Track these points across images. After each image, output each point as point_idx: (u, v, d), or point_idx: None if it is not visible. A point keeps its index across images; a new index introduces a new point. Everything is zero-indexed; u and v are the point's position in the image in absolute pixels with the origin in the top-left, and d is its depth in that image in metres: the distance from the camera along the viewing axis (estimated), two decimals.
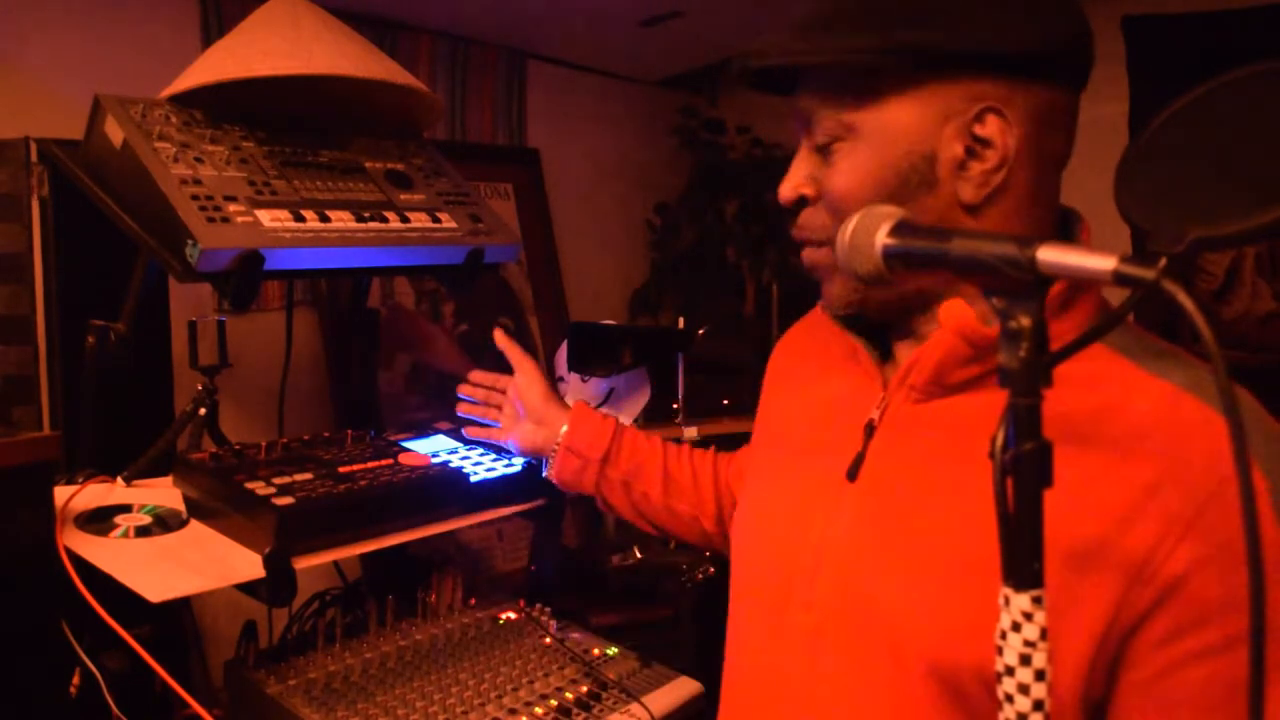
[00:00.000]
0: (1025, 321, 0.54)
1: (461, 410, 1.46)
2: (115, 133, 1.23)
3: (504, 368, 1.38)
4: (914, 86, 0.74)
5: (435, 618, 1.37)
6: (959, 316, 0.74)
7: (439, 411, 2.09)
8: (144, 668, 1.00)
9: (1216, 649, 0.64)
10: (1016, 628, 0.53)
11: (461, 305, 2.23)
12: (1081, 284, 0.73)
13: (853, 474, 0.80)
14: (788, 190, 0.83)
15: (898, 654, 0.72)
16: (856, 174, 0.77)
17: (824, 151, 0.80)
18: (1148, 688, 0.66)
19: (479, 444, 1.46)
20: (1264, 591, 0.46)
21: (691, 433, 1.97)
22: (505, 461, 1.41)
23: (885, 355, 0.87)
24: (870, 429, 0.81)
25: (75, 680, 1.10)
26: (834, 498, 0.81)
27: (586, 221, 2.65)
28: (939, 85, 0.74)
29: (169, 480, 1.29)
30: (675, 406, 2.01)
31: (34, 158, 1.36)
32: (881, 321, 0.86)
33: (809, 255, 0.85)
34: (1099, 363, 0.72)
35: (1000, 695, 0.55)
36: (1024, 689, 0.53)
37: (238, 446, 1.30)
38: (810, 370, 0.95)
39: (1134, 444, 0.67)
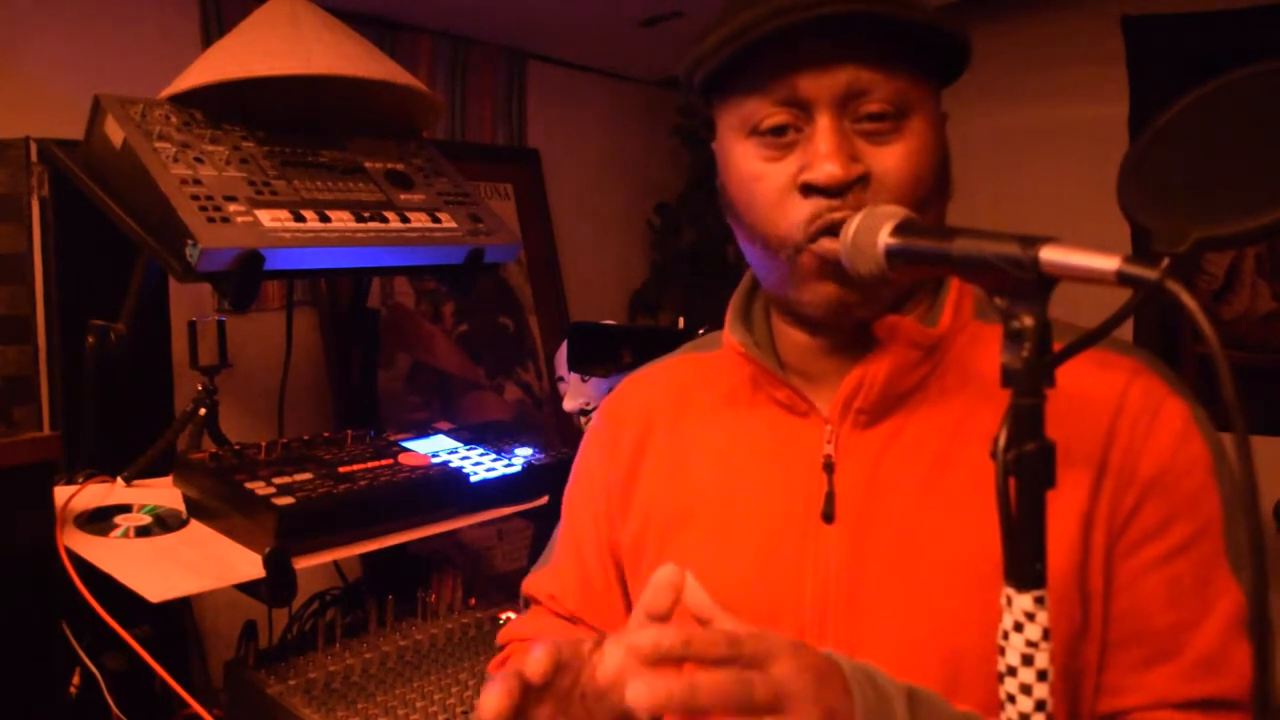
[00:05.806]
0: (1028, 321, 0.53)
1: None
2: (115, 133, 1.23)
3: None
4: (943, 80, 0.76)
5: (435, 618, 1.37)
6: (903, 328, 0.73)
7: (439, 411, 2.09)
8: (144, 668, 1.00)
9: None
10: (1019, 628, 0.53)
11: (461, 305, 2.23)
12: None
13: (828, 515, 0.76)
14: (846, 167, 0.69)
15: (913, 671, 0.71)
16: (926, 153, 0.72)
17: (872, 130, 0.70)
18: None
19: (480, 444, 1.46)
20: (1265, 598, 0.46)
21: None
22: (505, 461, 1.41)
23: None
24: (830, 465, 0.76)
25: (75, 680, 1.10)
26: (811, 542, 0.76)
27: (586, 221, 2.65)
28: (939, 84, 0.76)
29: (169, 480, 1.29)
30: None
31: (34, 158, 1.36)
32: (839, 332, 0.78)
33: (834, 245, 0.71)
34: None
35: (1002, 695, 0.54)
36: (1026, 689, 0.53)
37: (238, 446, 1.30)
38: (691, 425, 0.86)
39: (1079, 404, 0.70)
